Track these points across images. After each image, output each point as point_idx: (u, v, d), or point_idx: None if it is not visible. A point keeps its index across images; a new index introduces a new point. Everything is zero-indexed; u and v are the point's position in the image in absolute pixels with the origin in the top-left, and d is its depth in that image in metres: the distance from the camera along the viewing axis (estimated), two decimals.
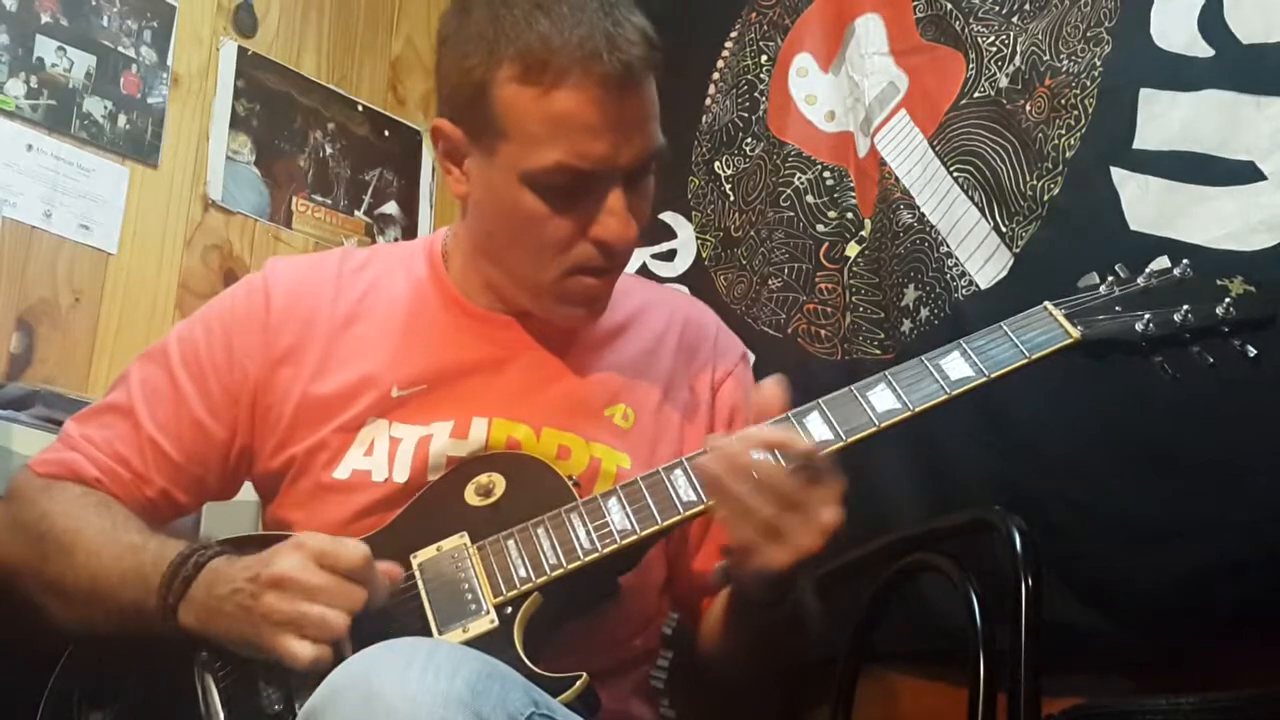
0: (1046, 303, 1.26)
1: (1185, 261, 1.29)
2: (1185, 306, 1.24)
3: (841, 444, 1.18)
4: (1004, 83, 1.89)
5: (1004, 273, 1.83)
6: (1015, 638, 1.30)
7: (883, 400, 1.20)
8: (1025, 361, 1.21)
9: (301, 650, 1.09)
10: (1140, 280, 1.28)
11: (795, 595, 1.21)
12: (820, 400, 1.21)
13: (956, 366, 1.21)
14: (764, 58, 2.30)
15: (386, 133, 2.78)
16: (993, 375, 1.20)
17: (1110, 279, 1.28)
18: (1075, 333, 1.23)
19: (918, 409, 1.19)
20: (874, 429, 1.18)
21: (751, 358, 1.99)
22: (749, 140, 2.28)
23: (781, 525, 1.09)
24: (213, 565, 1.18)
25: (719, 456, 1.13)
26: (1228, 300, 1.25)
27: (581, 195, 1.26)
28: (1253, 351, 1.25)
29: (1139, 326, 1.24)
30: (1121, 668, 1.59)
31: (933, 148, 1.96)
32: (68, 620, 1.25)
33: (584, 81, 1.21)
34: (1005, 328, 1.23)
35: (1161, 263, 1.31)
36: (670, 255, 2.34)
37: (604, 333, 1.43)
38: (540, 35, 1.22)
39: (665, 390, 1.42)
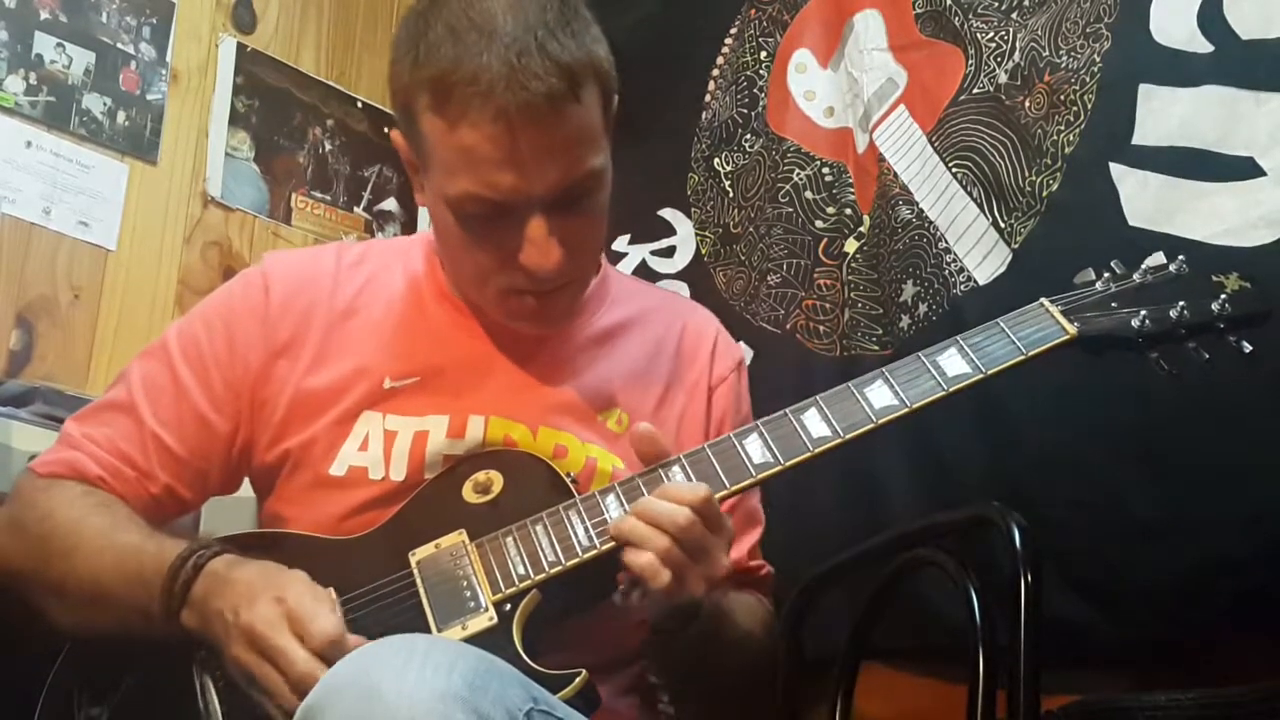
0: (1043, 299, 1.26)
1: (1181, 258, 1.29)
2: (1181, 303, 1.24)
3: (840, 440, 1.19)
4: (1003, 79, 1.89)
5: (1002, 269, 1.82)
6: (1014, 634, 1.30)
7: (880, 397, 1.20)
8: (1022, 358, 1.21)
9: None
10: (1136, 277, 1.28)
11: (702, 618, 1.22)
12: (818, 397, 1.22)
13: (954, 363, 1.21)
14: (763, 54, 2.29)
15: (386, 129, 2.77)
16: (990, 372, 1.20)
17: (1106, 275, 1.28)
18: (1072, 329, 1.23)
19: (915, 405, 1.19)
20: (872, 425, 1.18)
21: (750, 355, 1.99)
22: (748, 136, 2.27)
23: (693, 564, 1.14)
24: (212, 569, 1.17)
25: (635, 515, 1.16)
26: (1223, 296, 1.25)
27: (500, 222, 1.25)
28: (1248, 347, 1.25)
29: (1135, 323, 1.24)
30: (1121, 664, 1.59)
31: (931, 144, 1.96)
32: (71, 623, 1.25)
33: (480, 117, 1.18)
34: (1002, 324, 1.23)
35: (1157, 259, 1.31)
36: (670, 252, 2.33)
37: (600, 334, 1.43)
38: (447, 64, 1.19)
39: (662, 396, 1.42)
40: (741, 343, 2.04)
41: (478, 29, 1.19)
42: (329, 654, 1.06)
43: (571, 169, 1.24)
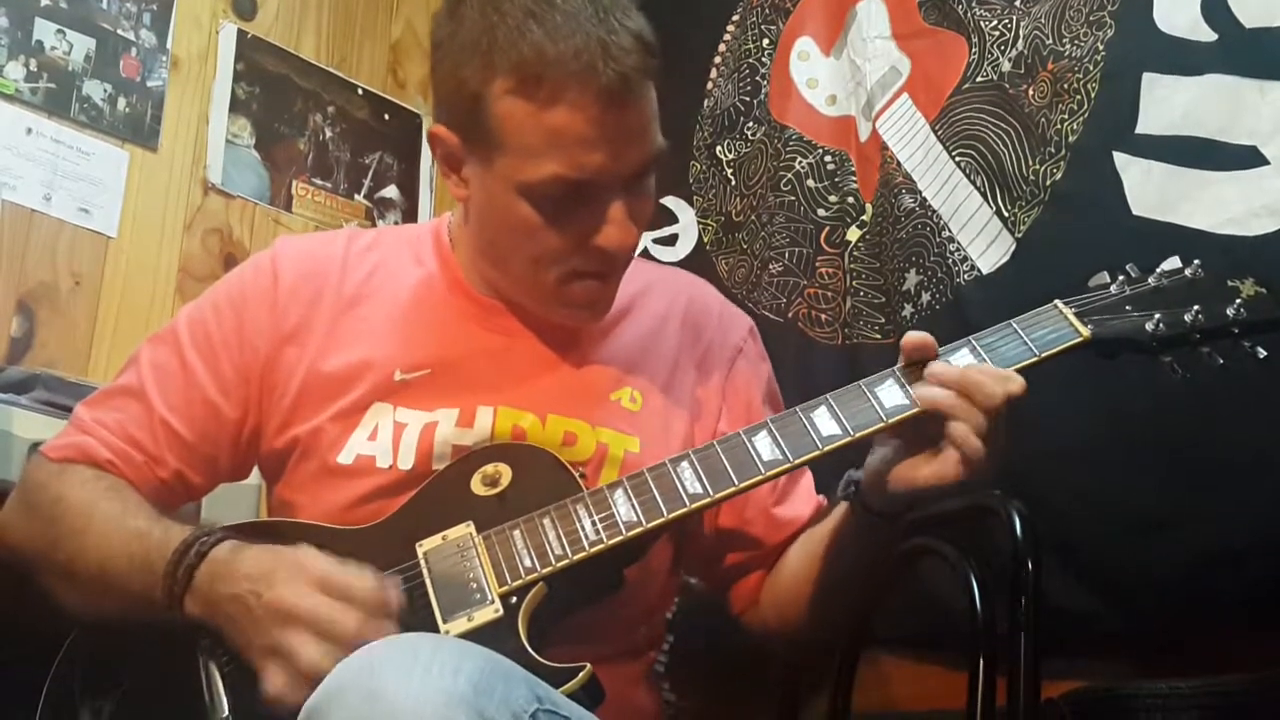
0: (1057, 301, 1.24)
1: (1196, 262, 1.28)
2: (1196, 307, 1.23)
3: (849, 439, 1.18)
4: (1006, 67, 1.89)
5: (1006, 257, 1.83)
6: (1015, 622, 1.31)
7: (891, 396, 1.19)
8: (1035, 359, 1.19)
9: (275, 683, 1.08)
10: (1151, 280, 1.27)
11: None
12: (828, 395, 1.21)
13: (966, 363, 1.20)
14: (765, 41, 2.29)
15: (386, 116, 2.77)
16: None
17: (1121, 278, 1.27)
18: (1085, 331, 1.21)
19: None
20: (882, 425, 1.18)
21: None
22: (750, 124, 2.27)
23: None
24: (216, 555, 1.17)
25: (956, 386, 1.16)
26: (1238, 302, 1.23)
27: (580, 205, 1.25)
28: (1263, 353, 1.23)
29: (1149, 326, 1.22)
30: (1121, 652, 1.60)
31: (935, 132, 1.96)
32: (80, 606, 1.25)
33: (581, 98, 1.19)
34: (1015, 325, 1.22)
35: (1173, 263, 1.30)
36: (672, 240, 2.34)
37: (608, 318, 1.43)
38: (534, 46, 1.19)
39: (672, 369, 1.42)
40: None
41: (560, 11, 1.20)
42: (381, 611, 1.09)
43: (648, 147, 1.27)
